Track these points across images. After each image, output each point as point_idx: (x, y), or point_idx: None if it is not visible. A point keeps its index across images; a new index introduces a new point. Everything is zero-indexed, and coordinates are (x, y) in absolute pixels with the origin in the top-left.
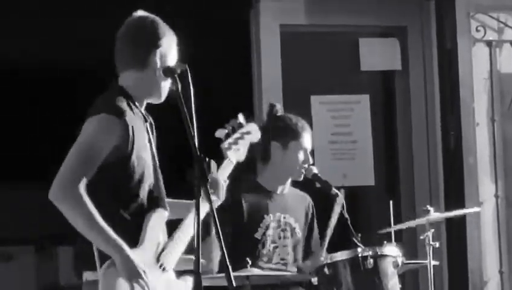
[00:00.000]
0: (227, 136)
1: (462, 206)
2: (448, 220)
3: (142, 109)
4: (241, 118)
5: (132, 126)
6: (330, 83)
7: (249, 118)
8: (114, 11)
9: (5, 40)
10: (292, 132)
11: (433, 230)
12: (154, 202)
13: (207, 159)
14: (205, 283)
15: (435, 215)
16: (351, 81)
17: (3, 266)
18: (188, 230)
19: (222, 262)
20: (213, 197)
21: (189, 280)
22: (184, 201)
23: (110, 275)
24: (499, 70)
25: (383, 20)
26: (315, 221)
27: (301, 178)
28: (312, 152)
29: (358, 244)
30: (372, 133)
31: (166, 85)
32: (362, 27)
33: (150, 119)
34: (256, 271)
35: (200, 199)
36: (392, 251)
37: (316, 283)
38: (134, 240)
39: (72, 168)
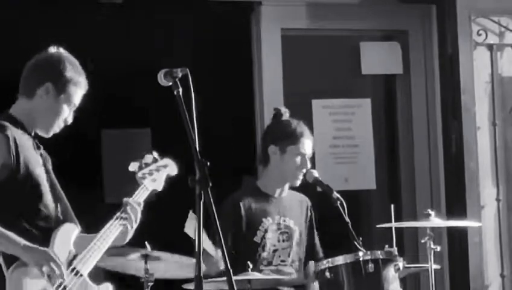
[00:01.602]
0: (140, 168)
1: (464, 210)
2: None
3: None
4: (155, 154)
5: (16, 140)
6: (331, 87)
7: (162, 154)
8: None
9: None
10: (290, 137)
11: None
12: (61, 217)
13: (208, 163)
14: (206, 287)
15: (435, 221)
16: (352, 85)
17: None
18: (106, 239)
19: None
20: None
21: (109, 287)
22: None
23: (16, 275)
24: (500, 74)
25: (384, 24)
26: (314, 223)
27: (297, 184)
28: (313, 156)
29: (360, 248)
30: (373, 137)
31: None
32: (363, 31)
33: (42, 150)
34: (257, 275)
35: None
36: (393, 255)
37: (317, 287)
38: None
39: None
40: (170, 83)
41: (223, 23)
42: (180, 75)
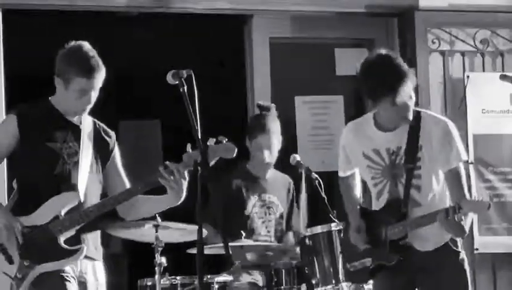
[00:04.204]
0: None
1: None
2: None
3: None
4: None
5: (29, 122)
6: (311, 86)
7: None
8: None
9: None
10: (253, 131)
11: None
12: (64, 188)
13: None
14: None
15: None
16: (328, 84)
17: None
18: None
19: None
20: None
21: (84, 249)
22: (154, 197)
23: None
24: (451, 75)
25: (354, 33)
26: (294, 199)
27: (263, 171)
28: (295, 143)
29: (334, 219)
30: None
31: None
32: (337, 39)
33: (83, 126)
34: (249, 242)
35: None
36: None
37: (298, 252)
38: (31, 211)
39: None
40: (177, 82)
41: (220, 33)
42: (185, 75)
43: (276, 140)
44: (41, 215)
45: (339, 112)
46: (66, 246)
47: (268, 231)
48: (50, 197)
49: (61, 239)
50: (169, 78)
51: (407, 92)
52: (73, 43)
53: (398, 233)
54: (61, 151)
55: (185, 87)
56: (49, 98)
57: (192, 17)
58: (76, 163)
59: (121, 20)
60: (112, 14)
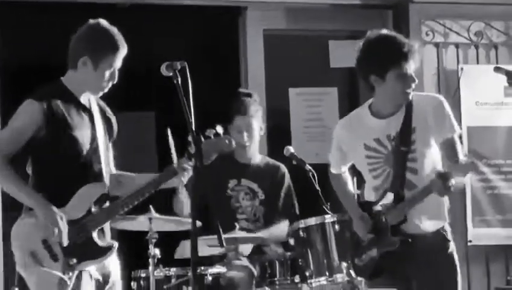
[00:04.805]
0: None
1: None
2: None
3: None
4: (219, 128)
5: (53, 108)
6: (305, 78)
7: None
8: None
9: None
10: (232, 115)
11: None
12: (89, 176)
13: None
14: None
15: None
16: (322, 76)
17: None
18: (117, 204)
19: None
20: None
21: (111, 243)
22: (132, 174)
23: (23, 222)
24: (445, 67)
25: (349, 25)
26: (284, 188)
27: (244, 156)
28: (289, 134)
29: (328, 211)
30: (339, 119)
31: (99, 85)
32: (331, 31)
33: (94, 110)
34: (242, 233)
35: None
36: None
37: (292, 243)
38: (61, 203)
39: (1, 139)
40: (171, 74)
41: (215, 25)
42: (179, 67)
43: (256, 124)
44: (74, 209)
45: (333, 104)
46: (101, 244)
47: (246, 219)
48: (78, 188)
49: (94, 235)
50: (163, 70)
51: (412, 68)
52: (91, 21)
53: (397, 216)
54: (83, 138)
55: (179, 79)
56: (61, 78)
57: (187, 9)
58: (96, 149)
59: (114, 11)
60: (107, 6)
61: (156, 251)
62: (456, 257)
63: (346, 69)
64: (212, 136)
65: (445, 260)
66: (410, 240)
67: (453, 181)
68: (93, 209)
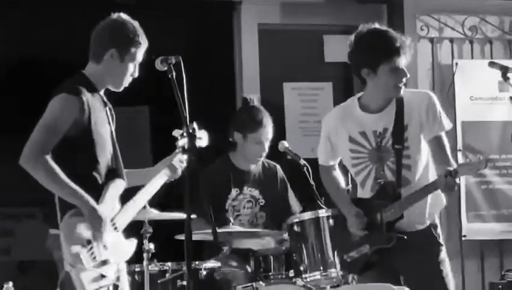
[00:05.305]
0: (182, 135)
1: None
2: None
3: (102, 94)
4: (195, 125)
5: (88, 103)
6: (300, 72)
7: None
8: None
9: None
10: (250, 126)
11: None
12: (113, 172)
13: (196, 135)
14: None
15: None
16: (316, 71)
17: None
18: (139, 201)
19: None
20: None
21: (134, 241)
22: (140, 170)
23: (73, 220)
24: (440, 62)
25: (343, 20)
26: (288, 189)
27: (256, 164)
28: (284, 129)
29: (322, 206)
30: None
31: (123, 79)
32: (326, 26)
33: (109, 105)
34: (238, 228)
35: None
36: None
37: (287, 238)
38: (95, 200)
39: (38, 140)
40: (165, 68)
41: (210, 19)
42: (174, 61)
43: (271, 133)
44: (107, 208)
45: (328, 98)
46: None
47: (242, 224)
48: (105, 184)
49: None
50: (158, 64)
51: (403, 63)
52: (114, 15)
53: (394, 214)
54: (107, 134)
55: (174, 74)
56: (83, 72)
57: (181, 3)
58: (114, 144)
59: (108, 6)
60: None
61: (150, 246)
62: (444, 251)
63: (341, 63)
64: (179, 137)
65: (432, 255)
66: (405, 237)
67: (457, 179)
68: (117, 206)
